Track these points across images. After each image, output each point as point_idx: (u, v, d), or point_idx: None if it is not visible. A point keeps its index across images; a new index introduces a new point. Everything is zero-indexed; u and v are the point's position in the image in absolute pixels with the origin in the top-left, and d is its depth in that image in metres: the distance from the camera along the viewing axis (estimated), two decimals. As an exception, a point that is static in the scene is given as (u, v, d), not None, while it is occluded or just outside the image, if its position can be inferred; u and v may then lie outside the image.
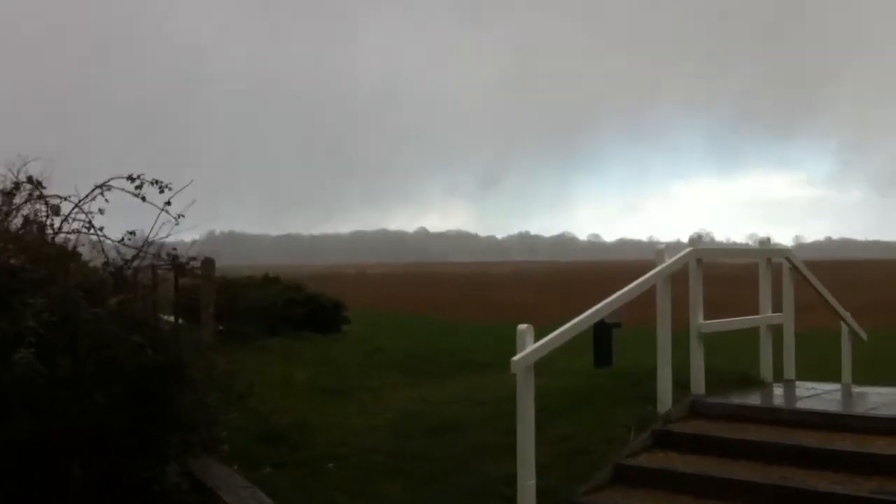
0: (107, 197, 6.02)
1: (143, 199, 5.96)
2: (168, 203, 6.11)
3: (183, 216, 6.16)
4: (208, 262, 8.06)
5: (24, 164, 6.08)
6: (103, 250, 6.35)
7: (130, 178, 5.91)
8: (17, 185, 6.00)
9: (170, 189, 6.06)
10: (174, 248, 6.57)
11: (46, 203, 5.98)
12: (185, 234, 6.83)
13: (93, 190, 5.93)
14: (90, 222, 6.01)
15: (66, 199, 5.95)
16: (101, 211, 6.01)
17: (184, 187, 6.16)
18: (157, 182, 5.99)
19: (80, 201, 5.93)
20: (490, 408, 8.68)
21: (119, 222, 6.35)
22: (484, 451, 7.45)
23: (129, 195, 6.03)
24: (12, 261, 5.43)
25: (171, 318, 10.18)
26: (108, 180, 5.93)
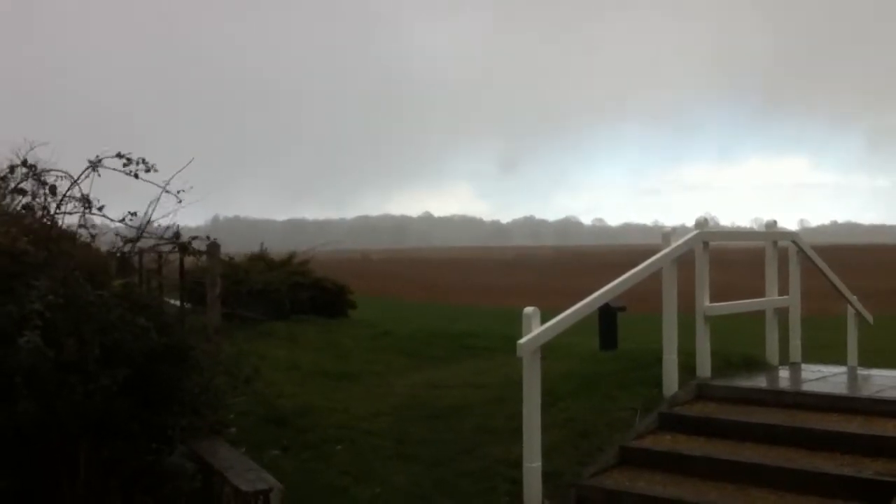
0: (103, 178, 5.88)
1: (136, 176, 5.81)
2: (174, 188, 5.97)
3: (183, 191, 6.01)
4: (213, 246, 8.04)
5: (31, 149, 6.03)
6: (90, 234, 6.23)
7: (119, 156, 5.76)
8: (12, 168, 5.94)
9: (155, 170, 5.90)
10: (177, 226, 6.50)
11: (43, 184, 5.91)
12: (189, 219, 6.77)
13: (86, 168, 5.82)
14: (88, 200, 5.92)
15: (60, 178, 5.88)
16: (94, 198, 5.86)
17: (184, 167, 6.07)
18: (143, 161, 5.85)
19: (75, 180, 5.83)
20: (496, 391, 8.68)
21: (120, 206, 6.27)
22: (490, 435, 7.46)
23: (127, 180, 5.91)
24: (16, 243, 5.40)
25: (177, 302, 10.19)
26: (99, 158, 5.81)
